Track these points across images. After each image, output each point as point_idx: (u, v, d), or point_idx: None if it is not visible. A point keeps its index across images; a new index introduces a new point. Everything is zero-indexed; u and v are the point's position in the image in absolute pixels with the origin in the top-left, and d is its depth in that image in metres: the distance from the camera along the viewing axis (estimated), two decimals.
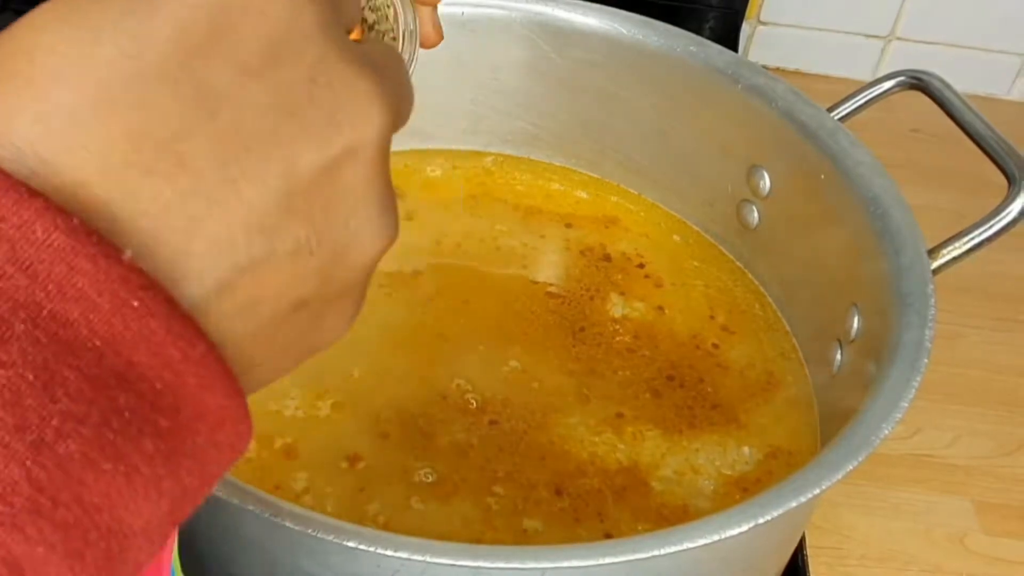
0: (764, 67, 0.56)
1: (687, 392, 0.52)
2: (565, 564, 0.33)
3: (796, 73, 0.86)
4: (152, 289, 0.17)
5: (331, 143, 0.19)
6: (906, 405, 0.39)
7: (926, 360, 0.41)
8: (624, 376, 0.52)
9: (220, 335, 0.19)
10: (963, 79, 0.61)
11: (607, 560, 0.33)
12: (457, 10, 0.59)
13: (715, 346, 0.54)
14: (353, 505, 0.45)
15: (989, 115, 0.49)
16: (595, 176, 0.64)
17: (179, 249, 0.18)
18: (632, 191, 0.63)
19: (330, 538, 0.32)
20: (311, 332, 0.21)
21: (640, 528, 0.46)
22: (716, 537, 0.33)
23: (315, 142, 0.19)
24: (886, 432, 0.37)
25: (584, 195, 0.63)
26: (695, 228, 0.61)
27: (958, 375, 0.63)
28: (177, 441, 0.18)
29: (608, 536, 0.45)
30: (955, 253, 0.46)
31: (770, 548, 0.44)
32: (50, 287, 0.17)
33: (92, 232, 0.17)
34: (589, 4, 0.58)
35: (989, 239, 0.46)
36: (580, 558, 0.33)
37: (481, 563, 0.33)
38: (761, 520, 0.34)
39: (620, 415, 0.50)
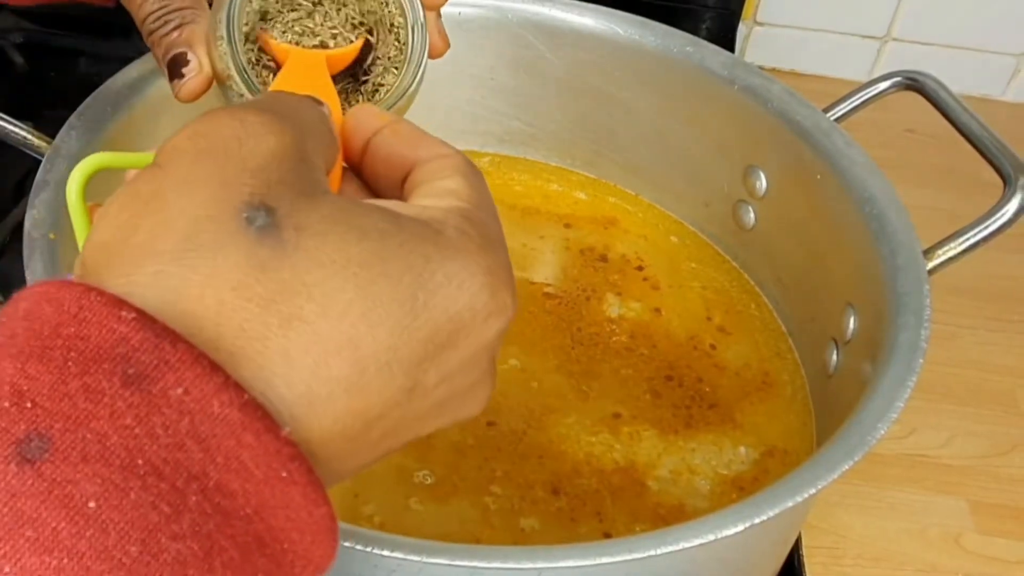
0: (760, 68, 0.56)
1: (684, 392, 0.52)
2: (561, 564, 0.33)
3: (792, 73, 0.86)
4: (299, 460, 0.19)
5: (445, 424, 0.24)
6: (901, 405, 0.39)
7: (921, 360, 0.41)
8: (621, 376, 0.52)
9: (327, 476, 0.22)
10: (959, 80, 0.61)
11: (603, 560, 0.33)
12: (454, 10, 0.59)
13: (712, 347, 0.55)
14: (350, 507, 0.45)
15: (984, 116, 0.49)
16: (593, 177, 0.64)
17: (327, 459, 0.21)
18: (630, 192, 0.63)
19: None
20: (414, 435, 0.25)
21: (636, 528, 0.46)
22: (712, 537, 0.33)
23: (439, 423, 0.24)
24: (882, 432, 0.37)
25: (582, 196, 0.63)
26: (692, 229, 0.61)
27: (953, 375, 0.63)
28: None
29: (605, 536, 0.45)
30: (951, 253, 0.46)
31: (766, 548, 0.44)
32: (219, 459, 0.18)
33: (259, 407, 0.19)
34: (586, 4, 0.58)
35: (985, 239, 0.46)
36: (576, 558, 0.33)
37: (478, 563, 0.33)
38: (757, 520, 0.34)
39: (617, 415, 0.50)
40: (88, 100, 0.48)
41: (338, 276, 0.21)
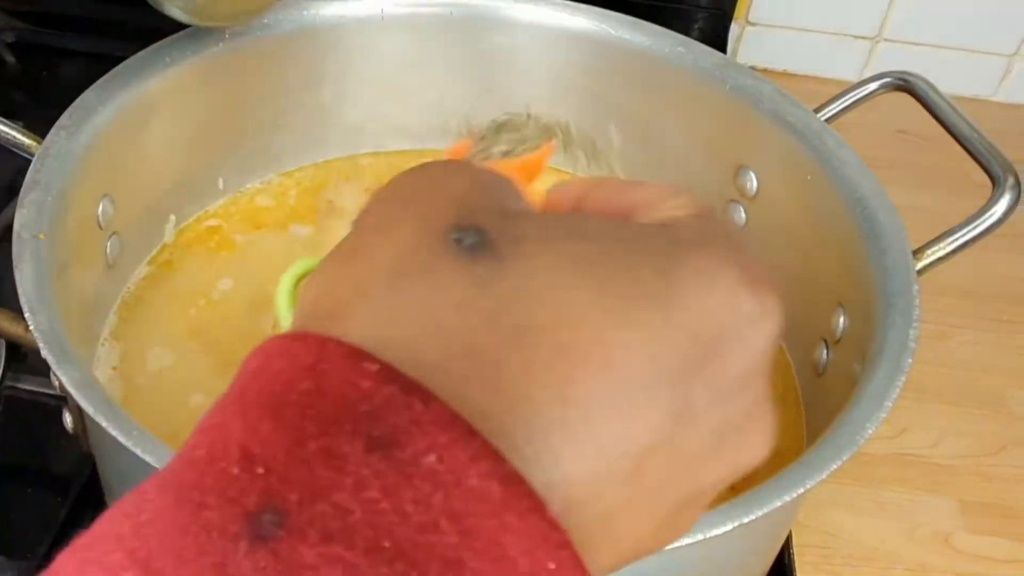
0: (752, 68, 0.57)
1: None
2: None
3: (783, 74, 0.86)
4: (566, 548, 0.16)
5: (733, 467, 0.20)
6: (890, 405, 0.39)
7: (911, 360, 0.41)
8: None
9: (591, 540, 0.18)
10: (949, 80, 0.62)
11: None
12: (446, 11, 0.59)
13: None
14: None
15: (974, 116, 0.49)
16: (584, 176, 0.64)
17: (599, 534, 0.18)
18: None
19: None
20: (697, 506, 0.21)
21: None
22: (701, 536, 0.34)
23: (720, 470, 0.20)
24: (871, 431, 0.38)
25: None
26: None
27: (943, 375, 0.63)
28: None
29: None
30: (940, 254, 0.46)
31: (756, 547, 0.44)
32: (477, 545, 0.15)
33: (522, 481, 0.16)
34: (578, 5, 0.59)
35: (974, 239, 0.46)
36: None
37: None
38: (746, 519, 0.34)
39: None
40: (78, 100, 0.48)
41: (569, 276, 0.18)
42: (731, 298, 0.19)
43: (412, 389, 0.16)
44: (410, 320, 0.17)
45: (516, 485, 0.16)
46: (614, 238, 0.19)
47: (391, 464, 0.15)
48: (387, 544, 0.15)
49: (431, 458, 0.15)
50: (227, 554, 0.14)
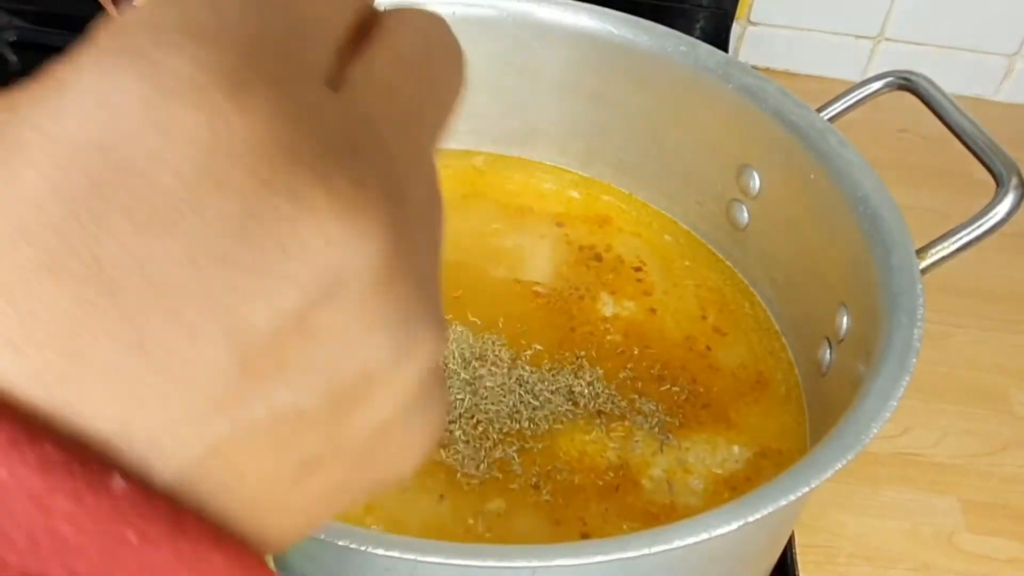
0: (754, 67, 0.57)
1: (678, 391, 0.52)
2: (554, 563, 0.33)
3: (786, 73, 0.86)
4: (150, 515, 0.14)
5: (282, 288, 0.14)
6: (895, 404, 0.39)
7: (915, 360, 0.41)
8: (615, 375, 0.52)
9: (217, 510, 0.15)
10: (951, 80, 0.62)
11: (596, 559, 0.33)
12: (448, 9, 0.59)
13: (707, 347, 0.55)
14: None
15: (977, 116, 0.49)
16: (586, 176, 0.64)
17: (135, 442, 0.14)
18: (623, 191, 0.63)
19: (321, 537, 0.32)
20: (344, 489, 0.17)
21: (630, 527, 0.46)
22: (705, 536, 0.34)
23: (262, 290, 0.14)
24: (875, 431, 0.38)
25: (576, 195, 0.63)
26: (685, 228, 0.61)
27: (946, 374, 0.63)
28: None
29: (598, 535, 0.45)
30: (943, 253, 0.46)
31: (759, 547, 0.44)
32: (21, 544, 0.13)
33: (71, 460, 0.13)
34: (580, 4, 0.58)
35: (977, 239, 0.46)
36: (569, 557, 0.33)
37: (471, 562, 0.33)
38: (750, 519, 0.34)
39: (611, 414, 0.50)
40: None
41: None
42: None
43: None
44: None
45: (59, 468, 0.13)
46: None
47: None
48: None
49: None
50: None
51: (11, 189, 0.14)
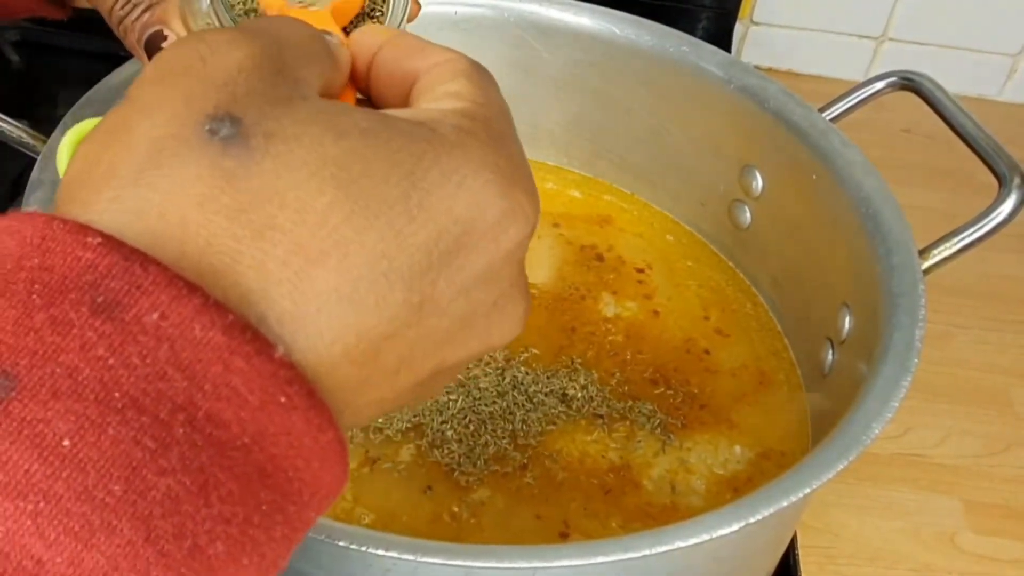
0: (756, 67, 0.57)
1: (680, 391, 0.52)
2: (556, 564, 0.33)
3: (788, 73, 0.86)
4: (297, 383, 0.18)
5: (475, 350, 0.22)
6: (896, 405, 0.39)
7: (917, 360, 0.41)
8: (617, 375, 0.52)
9: (333, 392, 0.19)
10: (954, 80, 0.62)
11: (598, 559, 0.33)
12: (450, 10, 0.59)
13: (708, 348, 0.55)
14: (339, 500, 0.45)
15: (980, 116, 0.49)
16: (588, 175, 0.64)
17: (339, 401, 0.19)
18: (625, 191, 0.63)
19: (321, 537, 0.32)
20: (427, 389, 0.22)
21: (631, 527, 0.46)
22: (707, 536, 0.34)
23: (468, 349, 0.22)
24: (876, 432, 0.38)
25: (577, 194, 0.63)
26: (688, 228, 0.61)
27: (948, 375, 0.63)
28: (299, 521, 0.18)
29: (600, 535, 0.45)
30: (946, 253, 0.46)
31: (761, 547, 0.44)
32: (207, 387, 0.17)
33: (247, 328, 0.17)
34: (582, 4, 0.58)
35: (980, 239, 0.46)
36: (571, 557, 0.33)
37: (472, 562, 0.33)
38: (752, 519, 0.34)
39: (612, 415, 0.50)
40: (83, 99, 0.48)
41: (314, 178, 0.19)
42: (480, 201, 0.20)
43: (133, 256, 0.17)
44: (152, 215, 0.18)
45: (241, 333, 0.17)
46: (369, 138, 0.20)
47: (116, 325, 0.16)
48: (117, 395, 0.16)
49: (154, 316, 0.17)
50: None
51: (405, 238, 0.19)
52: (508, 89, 0.70)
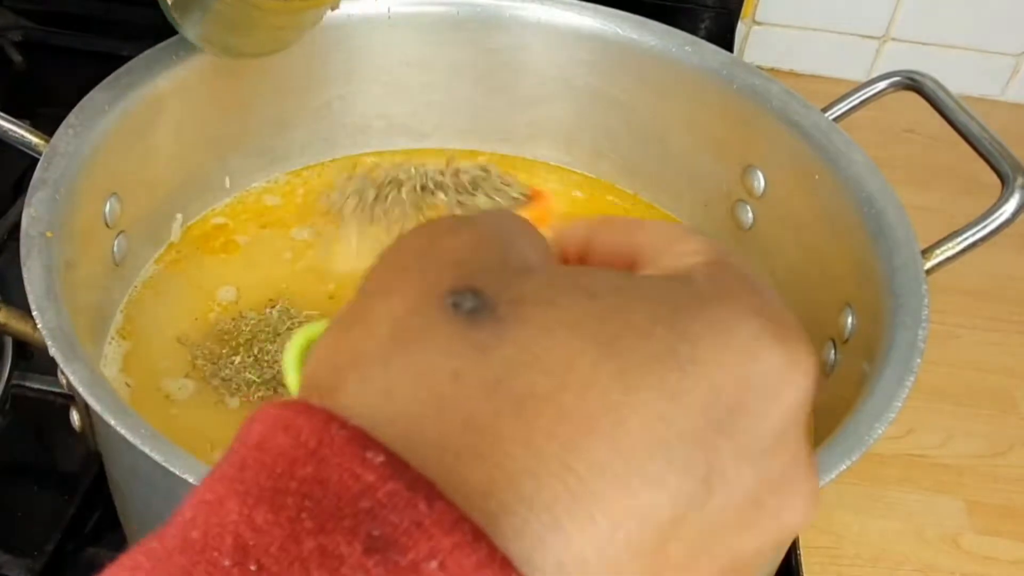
0: (759, 67, 0.56)
1: None
2: None
3: (791, 73, 0.86)
4: None
5: (774, 534, 0.18)
6: (899, 405, 0.39)
7: (919, 360, 0.41)
8: None
9: None
10: (957, 80, 0.61)
11: None
12: (452, 10, 0.59)
13: None
14: None
15: (983, 116, 0.49)
16: (591, 176, 0.64)
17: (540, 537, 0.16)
18: (628, 191, 0.63)
19: None
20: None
21: None
22: None
23: (761, 536, 0.18)
24: (879, 432, 0.37)
25: (580, 195, 0.63)
26: None
27: (951, 375, 0.63)
28: None
29: None
30: (949, 253, 0.46)
31: None
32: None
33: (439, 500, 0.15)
34: (585, 4, 0.58)
35: (983, 239, 0.46)
36: None
37: None
38: None
39: None
40: (85, 99, 0.48)
41: (573, 338, 0.17)
42: (753, 350, 0.18)
43: (417, 486, 0.15)
44: (406, 393, 0.17)
45: None
46: (621, 294, 0.18)
47: (389, 569, 0.15)
48: None
49: (432, 564, 0.15)
50: None
51: (683, 398, 0.17)
52: (511, 89, 0.70)
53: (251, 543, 0.15)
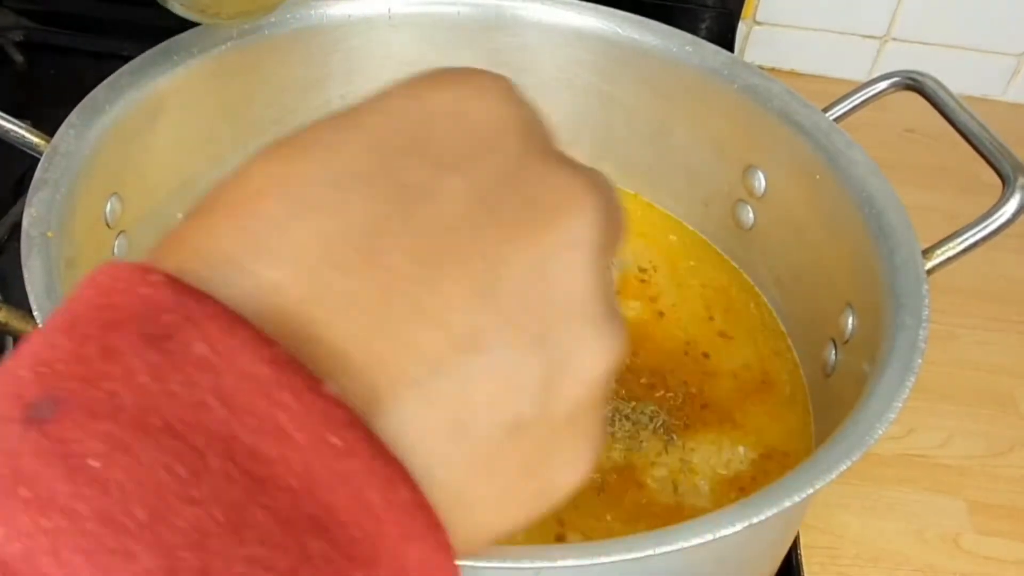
0: (760, 67, 0.56)
1: (683, 391, 0.52)
2: (559, 563, 0.33)
3: (791, 73, 0.86)
4: (354, 426, 0.16)
5: (538, 236, 0.18)
6: (900, 405, 0.39)
7: (920, 360, 0.41)
8: (619, 376, 0.52)
9: (425, 467, 0.17)
10: (958, 80, 0.61)
11: (600, 560, 0.33)
12: (453, 10, 0.59)
13: (704, 353, 0.55)
14: None
15: (984, 116, 0.49)
16: None
17: (373, 354, 0.17)
18: (628, 191, 0.63)
19: None
20: (539, 468, 0.19)
21: (633, 527, 0.46)
22: (710, 537, 0.33)
23: (521, 236, 0.18)
24: (880, 432, 0.37)
25: None
26: (691, 228, 0.61)
27: (952, 375, 0.63)
28: None
29: (599, 535, 0.45)
30: (950, 253, 0.46)
31: (764, 548, 0.44)
32: (248, 420, 0.16)
33: (294, 361, 0.16)
34: (585, 4, 0.58)
35: (984, 239, 0.46)
36: (574, 557, 0.33)
37: (472, 561, 0.33)
38: (756, 520, 0.34)
39: (615, 414, 0.50)
40: (86, 99, 0.48)
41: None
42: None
43: (187, 292, 0.17)
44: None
45: (288, 366, 0.16)
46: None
47: (163, 354, 0.16)
48: (154, 420, 0.16)
49: (202, 347, 0.16)
50: (3, 436, 0.16)
51: (350, 133, 0.19)
52: None
53: (45, 356, 0.17)
